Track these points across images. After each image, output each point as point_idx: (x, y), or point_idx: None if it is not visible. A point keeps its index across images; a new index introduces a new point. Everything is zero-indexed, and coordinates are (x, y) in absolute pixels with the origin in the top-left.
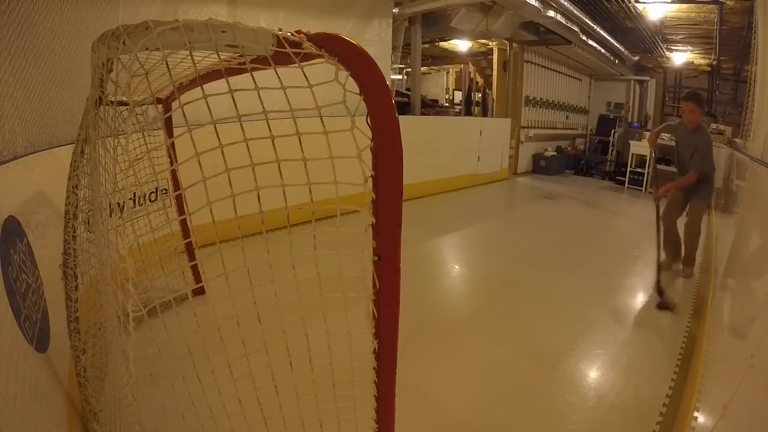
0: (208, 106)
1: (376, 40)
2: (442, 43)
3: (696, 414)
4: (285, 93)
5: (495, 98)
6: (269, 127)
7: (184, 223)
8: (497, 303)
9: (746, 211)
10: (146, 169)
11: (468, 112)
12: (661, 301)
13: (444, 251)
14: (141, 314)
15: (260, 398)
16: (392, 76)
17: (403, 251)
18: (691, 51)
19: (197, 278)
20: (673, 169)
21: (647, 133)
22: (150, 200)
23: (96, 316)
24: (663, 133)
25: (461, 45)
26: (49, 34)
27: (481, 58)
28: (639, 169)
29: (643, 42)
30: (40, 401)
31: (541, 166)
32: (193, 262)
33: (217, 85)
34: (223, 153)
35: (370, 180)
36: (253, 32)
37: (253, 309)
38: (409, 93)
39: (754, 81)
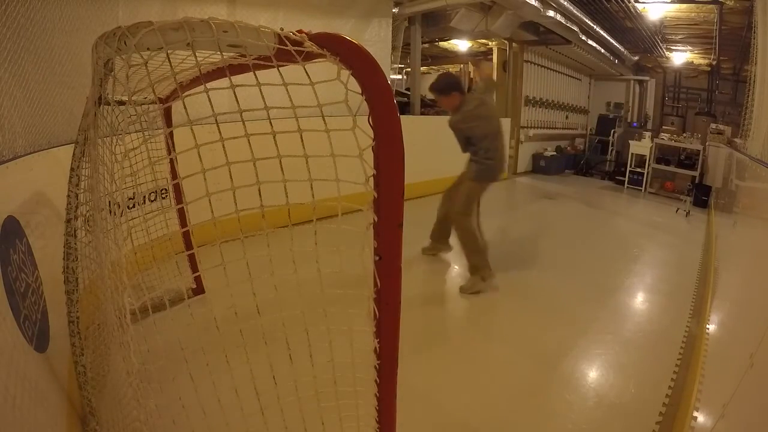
0: (210, 102)
1: (375, 39)
2: (441, 43)
3: (696, 414)
4: (287, 91)
5: (495, 98)
6: (271, 124)
7: (183, 221)
8: (497, 303)
9: (746, 211)
10: (146, 168)
11: None
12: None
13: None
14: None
15: (261, 397)
16: (392, 76)
17: (404, 251)
18: (690, 51)
19: (197, 277)
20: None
21: (647, 133)
22: (150, 200)
23: (96, 315)
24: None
25: (461, 45)
26: (49, 34)
27: (481, 58)
28: (639, 169)
29: (642, 42)
30: (40, 402)
31: (540, 166)
32: (191, 257)
33: (217, 86)
34: (224, 146)
35: (372, 179)
36: (255, 31)
37: (253, 307)
38: (408, 93)
39: (754, 81)
